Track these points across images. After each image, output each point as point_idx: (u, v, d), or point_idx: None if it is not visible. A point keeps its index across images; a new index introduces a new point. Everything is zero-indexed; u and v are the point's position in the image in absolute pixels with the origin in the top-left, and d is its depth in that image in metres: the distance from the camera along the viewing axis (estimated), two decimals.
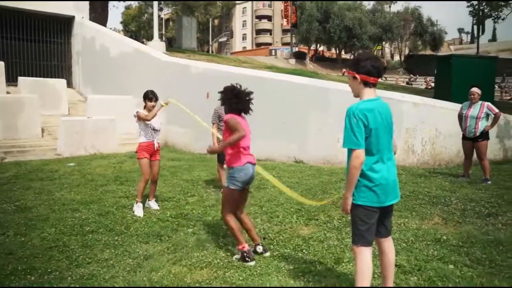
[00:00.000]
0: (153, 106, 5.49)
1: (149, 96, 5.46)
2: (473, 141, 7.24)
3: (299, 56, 40.72)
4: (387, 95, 10.29)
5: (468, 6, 12.55)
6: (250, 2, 78.62)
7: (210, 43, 57.70)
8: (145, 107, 5.54)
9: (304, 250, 4.06)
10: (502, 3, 11.65)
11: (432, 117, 9.43)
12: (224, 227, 4.83)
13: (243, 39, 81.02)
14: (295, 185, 7.06)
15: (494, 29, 55.76)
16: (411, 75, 33.63)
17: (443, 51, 43.19)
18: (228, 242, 4.28)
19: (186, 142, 12.40)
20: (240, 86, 4.17)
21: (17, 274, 3.49)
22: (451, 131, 9.30)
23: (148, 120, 5.39)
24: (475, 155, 7.40)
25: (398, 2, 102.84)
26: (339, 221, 5.04)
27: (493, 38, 58.27)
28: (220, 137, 5.43)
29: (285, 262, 3.73)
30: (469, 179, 7.35)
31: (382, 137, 2.71)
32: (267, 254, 3.94)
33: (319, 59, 42.97)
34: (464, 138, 7.42)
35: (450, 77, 11.01)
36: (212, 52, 52.52)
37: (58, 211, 5.37)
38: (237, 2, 66.42)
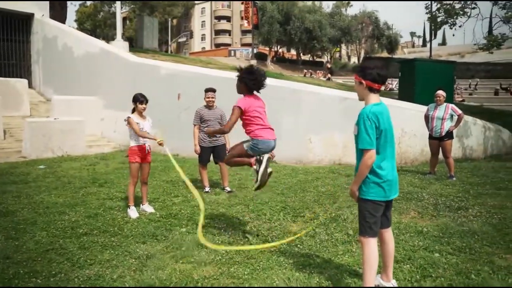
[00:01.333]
0: (144, 109, 5.51)
1: (140, 99, 5.48)
2: (439, 141, 7.75)
3: (260, 57, 41.14)
4: (356, 97, 10.74)
5: (426, 13, 13.30)
6: (209, 3, 78.32)
7: (169, 43, 57.04)
8: (134, 110, 5.55)
9: (298, 245, 4.27)
10: (460, 12, 12.51)
11: (398, 118, 9.92)
12: (216, 225, 4.98)
13: (202, 40, 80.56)
14: (274, 184, 7.28)
15: (444, 34, 58.76)
16: None
17: (398, 54, 45.04)
18: (224, 240, 4.42)
19: (155, 144, 12.31)
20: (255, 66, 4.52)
21: (20, 277, 3.47)
22: (416, 131, 9.87)
23: (139, 135, 5.43)
24: (440, 154, 7.91)
25: (354, 5, 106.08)
26: (324, 217, 5.30)
27: (443, 42, 61.43)
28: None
29: (284, 257, 3.93)
30: (435, 176, 7.87)
31: (388, 137, 2.96)
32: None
33: (279, 60, 43.57)
34: (431, 137, 7.92)
35: (414, 80, 11.65)
36: (171, 52, 51.90)
37: (44, 214, 5.29)
38: (196, 2, 65.95)
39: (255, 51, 41.26)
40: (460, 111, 7.65)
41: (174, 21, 69.19)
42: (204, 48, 77.32)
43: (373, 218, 2.94)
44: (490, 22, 16.50)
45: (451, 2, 12.88)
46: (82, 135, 11.75)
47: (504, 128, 11.44)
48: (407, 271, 3.45)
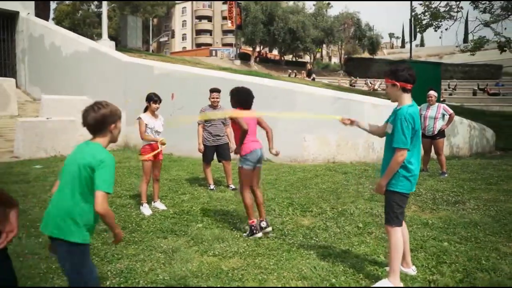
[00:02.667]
0: (157, 108, 5.63)
1: (154, 99, 5.59)
2: (431, 139, 8.10)
3: (243, 58, 41.33)
4: (349, 97, 11.07)
5: (412, 16, 13.74)
6: (190, 2, 78.01)
7: (151, 42, 56.61)
8: (147, 109, 5.66)
9: (314, 238, 4.49)
10: (447, 16, 13.01)
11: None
12: (231, 220, 5.15)
13: (183, 39, 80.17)
14: (276, 182, 7.50)
15: (422, 36, 60.17)
16: (352, 77, 35.50)
17: (379, 55, 45.94)
18: (242, 234, 4.60)
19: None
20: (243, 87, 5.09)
21: (53, 272, 3.57)
22: None
23: (142, 139, 5.56)
24: (432, 152, 8.27)
25: (336, 6, 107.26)
26: (332, 212, 5.53)
27: (421, 44, 62.91)
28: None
29: (303, 249, 4.13)
30: (428, 172, 8.22)
31: (419, 135, 3.20)
32: (269, 229, 4.62)
33: (262, 60, 43.86)
34: (423, 136, 8.23)
35: None
36: (152, 51, 51.54)
37: None
38: (177, 2, 65.65)
39: (236, 51, 41.44)
40: (451, 111, 8.02)
41: (155, 20, 68.67)
42: (185, 48, 76.96)
43: (400, 208, 3.19)
44: (466, 25, 17.11)
45: (436, 5, 13.34)
46: (75, 135, 11.70)
47: (488, 128, 11.94)
48: (423, 259, 3.71)
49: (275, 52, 53.93)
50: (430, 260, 3.68)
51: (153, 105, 5.60)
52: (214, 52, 61.47)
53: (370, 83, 34.08)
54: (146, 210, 5.47)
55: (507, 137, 12.85)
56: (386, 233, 3.31)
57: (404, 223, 3.37)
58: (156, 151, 5.55)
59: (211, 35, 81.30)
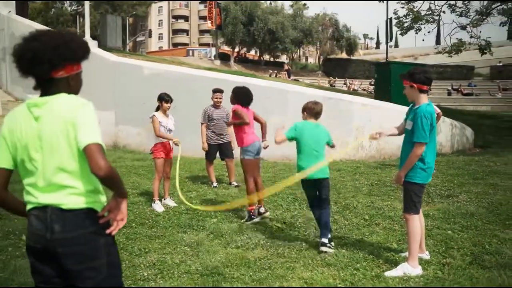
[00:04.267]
0: (169, 108, 5.79)
1: (165, 99, 5.76)
2: None
3: (223, 58, 41.47)
4: (339, 97, 11.44)
5: (395, 18, 14.31)
6: (166, 2, 77.43)
7: (127, 42, 55.95)
8: (159, 109, 5.81)
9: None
10: (430, 19, 13.62)
11: (377, 116, 10.71)
12: (242, 215, 5.38)
13: (159, 39, 79.48)
14: (275, 179, 7.76)
15: (396, 37, 61.71)
16: (331, 77, 36.18)
17: (356, 56, 46.88)
18: (259, 228, 4.84)
19: (139, 143, 12.39)
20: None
21: None
22: None
23: (157, 136, 5.73)
24: None
25: (313, 8, 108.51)
26: (336, 206, 5.82)
27: (396, 45, 64.45)
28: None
29: (319, 239, 4.40)
30: None
31: (435, 131, 3.52)
32: (268, 214, 5.18)
33: (242, 60, 44.06)
34: None
35: (389, 81, 12.54)
36: (129, 51, 50.98)
37: None
38: (154, 1, 65.12)
39: (216, 51, 41.54)
40: (439, 110, 8.45)
41: (130, 19, 67.84)
42: (161, 47, 76.34)
43: (417, 198, 3.51)
44: (438, 28, 17.86)
45: (418, 8, 13.91)
46: None
47: (467, 126, 12.53)
48: (432, 245, 4.05)
49: (253, 52, 54.30)
50: (440, 246, 4.02)
51: (165, 105, 5.76)
52: (191, 52, 61.30)
53: (349, 83, 34.81)
54: (158, 207, 5.63)
55: (484, 135, 13.48)
56: (405, 220, 3.62)
57: (421, 211, 3.68)
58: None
59: (187, 34, 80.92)
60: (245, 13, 37.96)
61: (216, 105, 7.19)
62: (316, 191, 4.21)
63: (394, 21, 14.34)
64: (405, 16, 14.19)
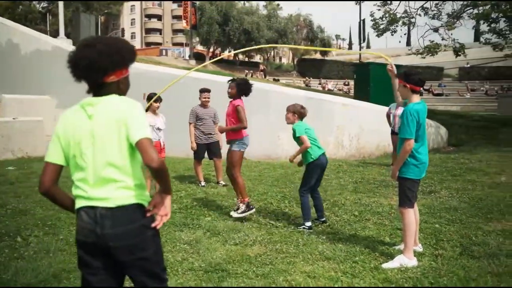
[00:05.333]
0: (158, 107, 5.82)
1: (155, 99, 5.78)
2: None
3: (198, 58, 41.32)
4: (320, 97, 11.67)
5: (371, 20, 14.69)
6: (139, 1, 76.36)
7: None
8: (148, 109, 5.83)
9: (319, 226, 4.91)
10: (407, 22, 14.08)
11: (357, 116, 11.01)
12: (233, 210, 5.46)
13: (131, 38, 78.21)
14: (261, 178, 7.88)
15: (368, 38, 63.06)
16: (306, 77, 36.64)
17: (329, 56, 47.55)
18: (254, 226, 4.94)
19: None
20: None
21: None
22: (372, 128, 10.97)
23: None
24: None
25: (287, 8, 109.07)
26: (325, 203, 5.93)
27: (367, 46, 65.75)
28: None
29: (314, 235, 4.55)
30: None
31: (424, 128, 3.71)
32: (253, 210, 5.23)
33: (217, 60, 43.94)
34: (393, 133, 8.97)
35: (369, 82, 12.86)
36: None
37: (62, 211, 5.38)
38: (126, 0, 64.12)
39: (190, 51, 41.36)
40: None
41: (102, 18, 66.54)
42: (134, 46, 75.05)
43: (411, 192, 3.69)
44: (409, 30, 18.43)
45: (394, 10, 14.33)
46: (42, 136, 11.48)
47: (442, 125, 13.00)
48: (423, 238, 4.25)
49: (227, 52, 54.24)
50: (430, 239, 4.23)
51: (154, 104, 5.80)
52: (164, 51, 60.64)
53: (324, 83, 35.35)
54: None
55: (457, 134, 14.00)
56: (400, 214, 3.80)
57: (416, 207, 3.87)
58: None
59: (161, 34, 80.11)
60: (220, 13, 37.96)
61: (204, 105, 7.25)
62: (319, 175, 5.02)
63: (370, 23, 14.74)
64: (381, 18, 14.58)
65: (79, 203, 1.91)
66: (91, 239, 1.86)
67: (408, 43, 55.50)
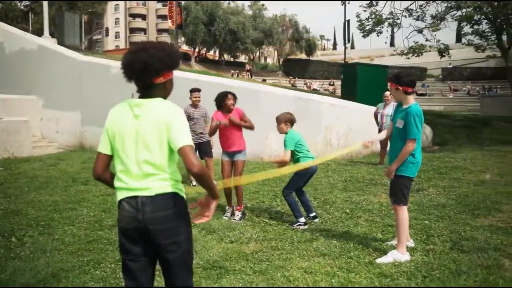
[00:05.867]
0: None
1: None
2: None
3: (184, 58, 41.21)
4: (308, 97, 11.78)
5: (357, 21, 14.94)
6: (123, 0, 75.62)
7: (83, 40, 54.22)
8: None
9: (312, 224, 5.00)
10: (394, 23, 14.35)
11: (345, 116, 11.15)
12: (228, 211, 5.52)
13: (116, 37, 77.54)
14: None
15: (352, 38, 63.72)
16: (291, 77, 36.85)
17: (314, 57, 47.88)
18: (248, 224, 5.00)
19: None
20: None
21: (91, 265, 3.74)
22: (359, 127, 11.12)
23: None
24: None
25: (272, 8, 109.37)
26: (316, 201, 6.08)
27: (352, 46, 66.34)
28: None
29: (308, 232, 4.63)
30: (384, 165, 9.10)
31: (421, 129, 3.82)
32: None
33: (202, 60, 43.92)
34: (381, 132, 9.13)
35: (356, 82, 13.04)
36: (84, 49, 49.43)
37: (55, 211, 5.39)
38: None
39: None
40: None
41: (85, 17, 65.69)
42: (118, 46, 74.40)
43: (407, 190, 3.81)
44: (392, 31, 18.73)
45: (379, 12, 14.57)
46: (28, 136, 11.38)
47: (426, 125, 13.25)
48: (414, 234, 4.37)
49: (212, 52, 54.15)
50: (421, 234, 4.36)
51: None
52: None
53: (309, 83, 35.63)
54: None
55: (441, 133, 14.29)
56: (394, 211, 3.91)
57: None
58: None
59: (145, 33, 79.47)
60: (206, 13, 37.91)
61: (195, 105, 7.29)
62: (307, 180, 5.13)
63: (355, 24, 14.96)
64: (367, 19, 14.80)
65: (120, 195, 2.11)
66: (133, 225, 2.05)
67: (392, 43, 56.27)
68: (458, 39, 46.61)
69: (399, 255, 3.69)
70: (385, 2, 14.36)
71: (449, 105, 27.71)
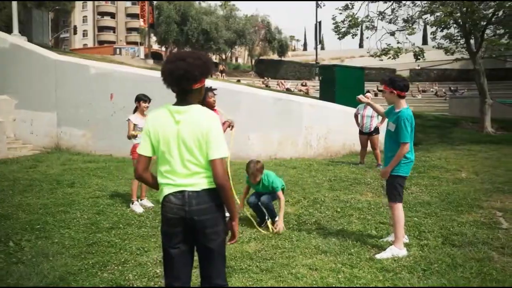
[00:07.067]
0: (147, 107, 5.82)
1: (143, 99, 5.80)
2: (368, 135, 9.29)
3: (156, 57, 40.74)
4: (289, 98, 11.97)
5: (333, 24, 15.27)
6: None
7: (50, 38, 52.62)
8: (137, 109, 5.83)
9: (306, 222, 5.15)
10: (370, 26, 14.79)
11: (324, 117, 11.41)
12: None
13: (83, 36, 75.68)
14: (237, 177, 8.01)
15: (322, 39, 64.65)
16: (264, 78, 37.05)
17: (285, 57, 48.29)
18: (245, 223, 5.10)
19: (84, 144, 11.98)
20: None
21: (97, 267, 3.75)
22: (338, 128, 11.42)
23: (127, 136, 5.77)
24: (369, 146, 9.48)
25: (245, 9, 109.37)
26: (306, 200, 6.23)
27: (322, 47, 67.34)
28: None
29: (304, 231, 4.78)
30: (365, 165, 9.39)
31: (413, 130, 4.03)
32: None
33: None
34: (361, 133, 9.43)
35: (334, 83, 13.35)
36: (51, 47, 48.01)
37: (47, 214, 5.32)
38: None
39: (143, 50, 40.71)
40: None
41: (51, 14, 63.72)
42: (86, 45, 72.68)
43: (400, 188, 4.03)
44: (361, 33, 19.24)
45: (355, 14, 14.96)
46: (2, 137, 11.04)
47: None
48: (406, 230, 4.58)
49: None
50: (413, 231, 4.59)
51: (143, 104, 5.80)
52: (118, 50, 59.07)
53: (282, 83, 35.93)
54: (137, 207, 5.67)
55: (415, 133, 14.81)
56: (390, 208, 4.11)
57: None
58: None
59: (114, 32, 78.02)
60: (178, 13, 37.61)
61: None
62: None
63: (326, 25, 15.25)
64: (342, 21, 15.16)
65: (167, 190, 2.31)
66: (179, 216, 2.28)
67: (361, 45, 57.53)
68: (425, 41, 48.23)
69: (397, 251, 3.89)
70: (360, 4, 14.74)
71: (418, 106, 28.56)
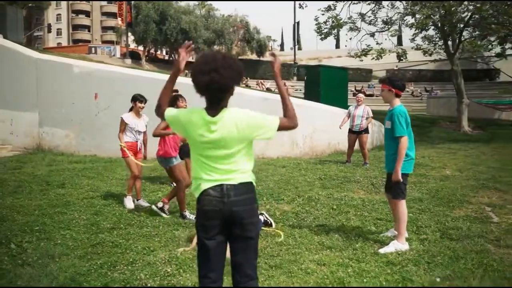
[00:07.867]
0: (142, 108, 5.81)
1: (139, 99, 5.77)
2: (357, 134, 9.49)
3: (134, 57, 40.26)
4: (275, 97, 12.03)
5: (315, 24, 15.49)
6: None
7: (23, 36, 51.19)
8: (132, 109, 5.81)
9: (305, 220, 5.25)
10: (354, 27, 15.05)
11: (310, 116, 11.55)
12: None
13: (57, 34, 73.98)
14: None
15: (300, 40, 65.13)
16: (244, 77, 37.14)
17: (264, 57, 48.46)
18: None
19: (67, 144, 11.78)
20: None
21: (105, 268, 3.74)
22: (323, 127, 11.60)
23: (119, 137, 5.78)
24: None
25: (223, 9, 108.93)
26: (301, 198, 6.34)
27: (299, 47, 67.81)
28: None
29: (305, 228, 4.87)
30: (351, 163, 9.58)
31: (410, 128, 4.18)
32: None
33: (153, 60, 43.10)
34: (350, 132, 9.64)
35: (319, 83, 13.55)
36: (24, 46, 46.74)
37: (44, 215, 5.23)
38: None
39: (118, 49, 40.18)
40: (371, 114, 9.58)
41: (24, 12, 61.96)
42: (60, 43, 71.09)
43: (404, 185, 4.18)
44: (338, 33, 19.61)
45: (337, 14, 15.22)
46: None
47: (383, 124, 14.04)
48: None
49: (163, 51, 53.13)
50: (411, 226, 4.74)
51: (139, 105, 5.78)
52: (93, 49, 58.00)
53: (261, 83, 36.15)
54: (129, 202, 5.70)
55: None
56: (394, 205, 4.25)
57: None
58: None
59: (89, 31, 76.55)
60: (157, 12, 37.27)
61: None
62: None
63: (305, 26, 15.42)
64: (324, 22, 15.40)
65: (205, 185, 2.42)
66: (218, 207, 2.38)
67: (338, 46, 58.17)
68: (399, 42, 49.23)
69: (400, 245, 4.03)
70: (343, 5, 15.01)
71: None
